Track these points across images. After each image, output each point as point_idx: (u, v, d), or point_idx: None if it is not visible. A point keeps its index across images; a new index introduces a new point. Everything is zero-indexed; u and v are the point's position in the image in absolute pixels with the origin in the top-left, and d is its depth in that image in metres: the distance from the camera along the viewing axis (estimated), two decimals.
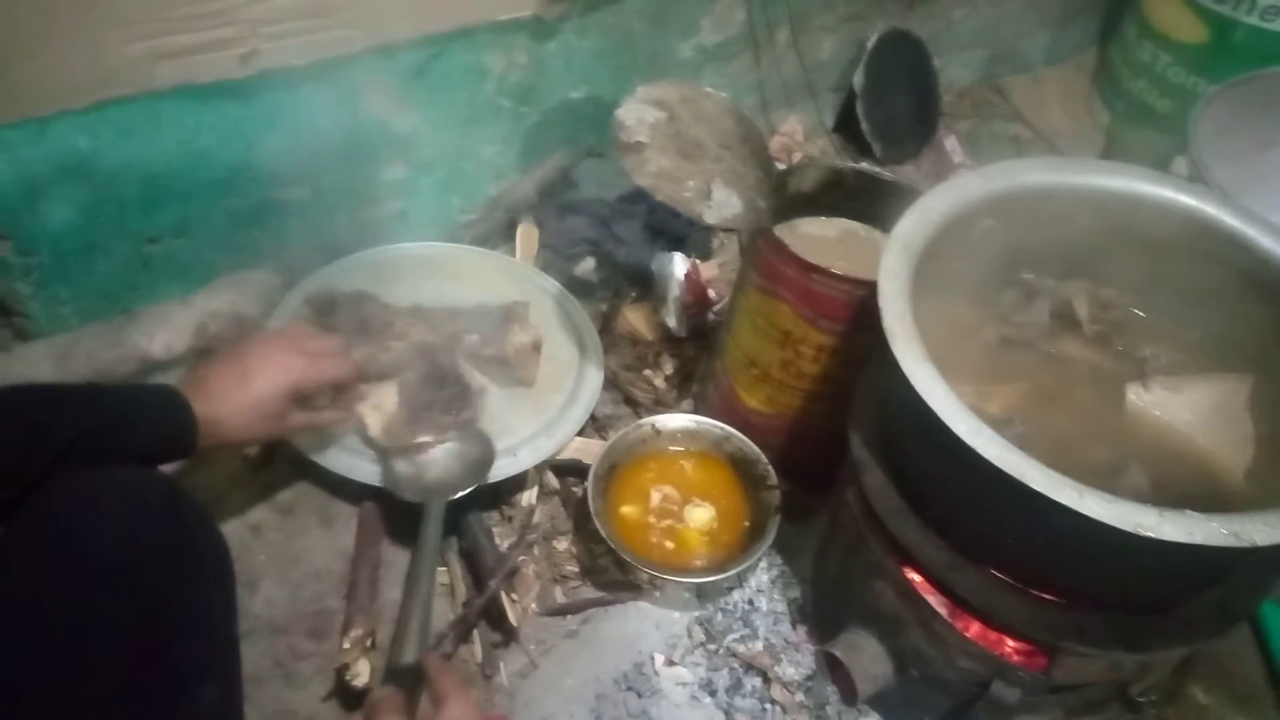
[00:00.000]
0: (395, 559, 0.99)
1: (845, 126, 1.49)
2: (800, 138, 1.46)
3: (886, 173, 1.07)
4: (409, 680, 0.78)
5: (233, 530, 0.99)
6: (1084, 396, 0.83)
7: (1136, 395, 0.82)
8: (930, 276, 0.81)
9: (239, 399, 0.84)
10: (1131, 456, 0.79)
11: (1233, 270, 0.81)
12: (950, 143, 1.47)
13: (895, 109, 1.47)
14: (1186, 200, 0.83)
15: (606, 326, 1.22)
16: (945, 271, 0.84)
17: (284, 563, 0.99)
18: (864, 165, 1.08)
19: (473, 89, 1.15)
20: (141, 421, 0.78)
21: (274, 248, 1.13)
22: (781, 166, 1.01)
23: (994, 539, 0.74)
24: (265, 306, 1.10)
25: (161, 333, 1.04)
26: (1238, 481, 0.78)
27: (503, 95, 1.17)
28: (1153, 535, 0.61)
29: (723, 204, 0.92)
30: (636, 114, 0.93)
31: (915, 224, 0.79)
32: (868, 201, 1.04)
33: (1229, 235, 0.81)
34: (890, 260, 0.77)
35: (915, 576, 0.80)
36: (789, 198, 1.04)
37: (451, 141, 1.18)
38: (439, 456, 0.98)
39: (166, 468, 0.80)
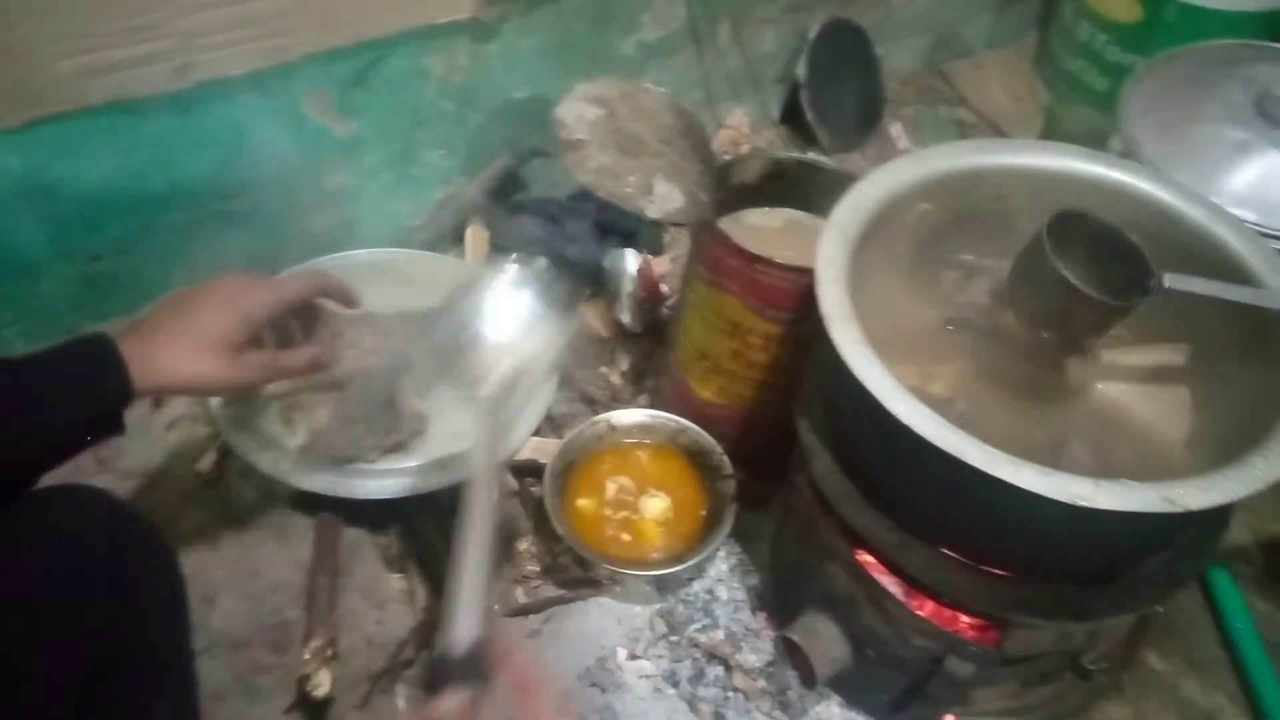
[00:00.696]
0: (353, 568, 0.99)
1: (792, 117, 1.50)
2: (747, 130, 1.47)
3: (829, 161, 1.08)
4: (467, 671, 0.55)
5: (188, 546, 0.98)
6: (1026, 373, 0.85)
7: (1076, 369, 0.83)
8: (870, 261, 0.82)
9: (179, 329, 0.73)
10: (1073, 430, 0.80)
11: (1164, 242, 0.82)
12: (895, 129, 1.48)
13: (840, 98, 1.48)
14: (1117, 175, 0.85)
15: None
16: (885, 256, 0.85)
17: (241, 577, 0.98)
18: (806, 155, 1.09)
19: (414, 93, 1.14)
20: (54, 373, 0.68)
21: (220, 260, 1.12)
22: (724, 159, 1.01)
23: (940, 518, 0.75)
24: None
25: None
26: (1178, 450, 0.80)
27: (445, 98, 1.17)
28: (1089, 505, 0.62)
29: (665, 198, 0.92)
30: (576, 112, 0.93)
31: (851, 210, 0.80)
32: (811, 190, 1.04)
33: (1159, 208, 0.83)
34: (827, 247, 0.78)
35: (867, 558, 0.81)
36: (733, 190, 1.04)
37: (396, 146, 1.18)
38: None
39: (122, 488, 0.78)
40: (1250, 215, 0.85)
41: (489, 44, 1.16)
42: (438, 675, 0.54)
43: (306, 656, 0.88)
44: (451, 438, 1.02)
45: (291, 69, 1.02)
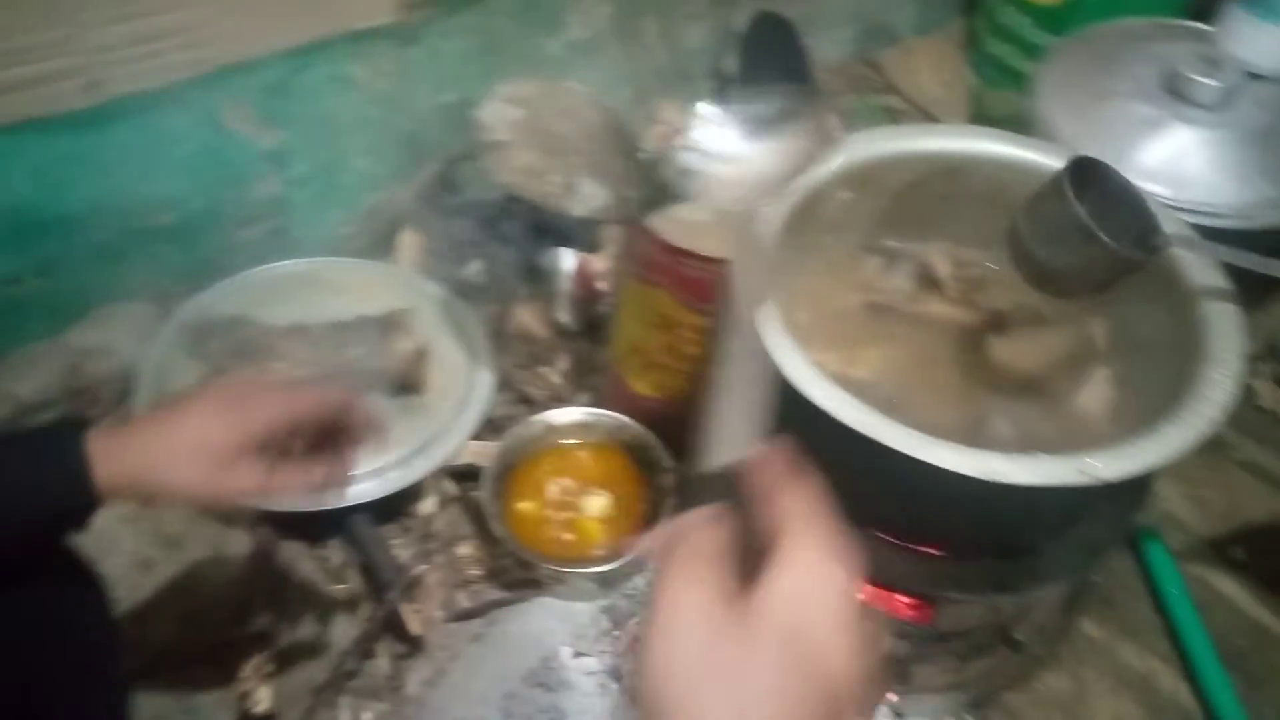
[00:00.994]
0: (293, 581, 0.98)
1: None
2: (679, 125, 1.47)
3: None
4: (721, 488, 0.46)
5: (122, 569, 0.96)
6: (949, 353, 0.86)
7: (997, 347, 0.85)
8: (793, 251, 0.83)
9: (164, 429, 0.66)
10: (996, 408, 0.81)
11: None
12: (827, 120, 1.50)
13: (770, 90, 1.49)
14: (1030, 156, 0.86)
15: (499, 327, 1.22)
16: (808, 245, 0.86)
17: (178, 596, 0.96)
18: None
19: (339, 101, 1.13)
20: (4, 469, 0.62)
21: (146, 278, 1.10)
22: (650, 155, 1.02)
23: (866, 500, 0.75)
24: (141, 340, 1.08)
25: (31, 376, 1.01)
26: (1098, 423, 0.82)
27: (371, 105, 1.16)
28: (1005, 480, 0.63)
29: (590, 196, 0.93)
30: (497, 113, 0.93)
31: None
32: None
33: None
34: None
35: None
36: (660, 185, 1.05)
37: (323, 155, 1.17)
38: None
39: None
40: (1161, 190, 0.87)
41: (412, 49, 1.15)
42: (695, 491, 0.47)
43: (245, 674, 0.87)
44: (387, 446, 1.02)
45: (209, 81, 1.01)
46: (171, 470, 0.65)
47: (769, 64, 1.50)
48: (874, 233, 0.90)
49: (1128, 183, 0.72)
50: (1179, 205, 0.87)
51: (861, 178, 0.85)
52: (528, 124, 0.93)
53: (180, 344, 1.06)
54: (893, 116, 1.57)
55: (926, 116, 1.56)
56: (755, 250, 0.78)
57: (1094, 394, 0.83)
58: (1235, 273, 0.99)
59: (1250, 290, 1.05)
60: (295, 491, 0.71)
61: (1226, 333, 0.73)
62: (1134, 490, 0.80)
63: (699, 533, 0.39)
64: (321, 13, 1.04)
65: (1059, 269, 0.74)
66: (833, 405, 0.66)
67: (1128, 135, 0.92)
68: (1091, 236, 0.69)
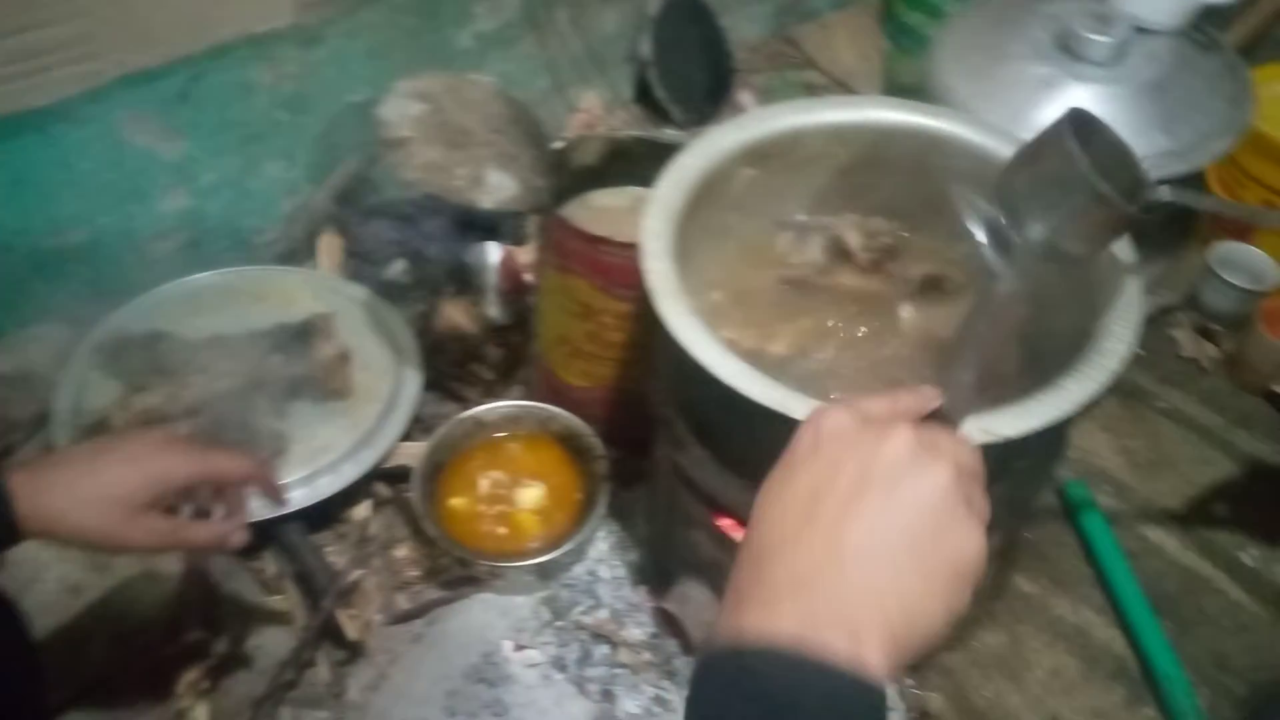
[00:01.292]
0: (227, 595, 0.96)
1: (645, 96, 1.50)
2: (601, 112, 1.47)
3: (668, 136, 1.09)
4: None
5: (51, 595, 0.95)
6: (864, 324, 0.87)
7: (908, 315, 0.86)
8: (701, 232, 0.83)
9: (79, 474, 0.68)
10: (910, 375, 0.82)
11: (980, 182, 0.85)
12: (745, 98, 1.50)
13: (689, 72, 1.49)
14: (929, 122, 0.87)
15: (427, 326, 1.21)
16: (717, 224, 0.86)
17: (109, 618, 0.95)
18: (645, 132, 1.09)
19: (243, 106, 1.12)
20: None
21: (58, 299, 1.08)
22: (559, 143, 1.01)
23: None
24: (55, 363, 1.05)
25: None
26: (1010, 383, 0.83)
27: (278, 108, 1.15)
28: None
29: (497, 188, 0.92)
30: (398, 109, 0.92)
31: (673, 183, 0.81)
32: (655, 167, 1.04)
33: (972, 150, 0.85)
34: (650, 221, 0.78)
35: (726, 521, 0.82)
36: (575, 173, 1.05)
37: (232, 163, 1.15)
38: None
39: None
40: None
41: (317, 49, 1.14)
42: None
43: (181, 691, 0.86)
44: (315, 452, 1.01)
45: (104, 94, 0.99)
46: (80, 516, 0.67)
47: (686, 46, 1.50)
48: (783, 208, 0.90)
49: (1117, 137, 0.69)
50: None
51: (762, 154, 0.86)
52: (431, 118, 0.92)
53: (96, 364, 1.04)
54: (812, 91, 1.58)
55: (846, 90, 1.57)
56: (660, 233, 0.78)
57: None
58: (1151, 225, 1.01)
59: (1167, 242, 1.08)
60: (198, 546, 0.76)
61: (1125, 286, 0.74)
62: (1047, 446, 0.81)
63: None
64: (216, 18, 1.02)
65: (1048, 220, 0.67)
66: (742, 383, 0.66)
67: (1024, 95, 0.93)
68: (1090, 189, 0.65)
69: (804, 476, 0.46)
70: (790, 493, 0.46)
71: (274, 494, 0.80)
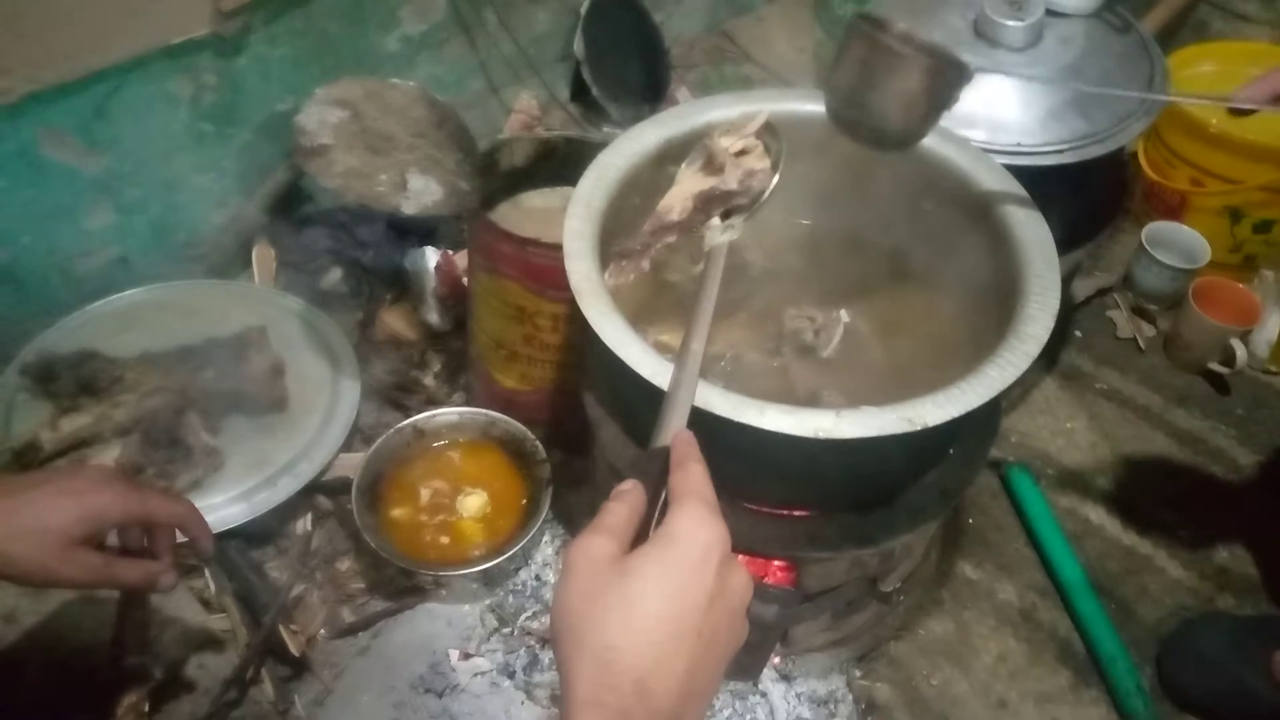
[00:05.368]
0: (168, 615, 0.95)
1: (582, 95, 1.50)
2: (538, 112, 1.46)
3: (597, 135, 1.08)
4: (655, 469, 0.54)
5: None
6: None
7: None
8: (625, 229, 0.82)
9: (12, 504, 0.67)
10: (827, 384, 0.82)
11: (901, 169, 0.85)
12: (682, 93, 1.50)
13: (624, 69, 1.49)
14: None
15: (365, 334, 1.20)
16: (641, 222, 0.85)
17: (46, 644, 0.93)
18: (572, 131, 1.09)
19: (165, 119, 1.09)
20: None
21: None
22: (486, 146, 1.00)
23: (718, 470, 0.76)
24: None
25: None
26: (926, 377, 0.83)
27: (201, 120, 1.13)
28: (833, 436, 0.64)
29: (421, 192, 0.91)
30: (317, 117, 0.91)
31: (595, 182, 0.81)
32: (586, 166, 1.04)
33: None
34: (573, 222, 0.78)
35: None
36: (504, 175, 1.04)
37: (157, 176, 1.13)
38: None
39: None
40: (978, 134, 0.89)
41: (238, 59, 1.12)
42: (631, 466, 0.56)
43: (120, 713, 0.85)
44: (251, 468, 0.99)
45: (15, 110, 0.97)
46: (15, 549, 0.66)
47: (620, 43, 1.49)
48: (708, 205, 0.90)
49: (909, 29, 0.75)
50: (998, 149, 0.89)
51: (684, 150, 0.85)
52: (351, 125, 0.90)
53: (24, 386, 1.02)
54: (749, 85, 1.58)
55: (781, 82, 1.57)
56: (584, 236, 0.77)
57: (920, 352, 0.84)
58: (1084, 206, 1.02)
59: (1099, 222, 1.08)
60: (127, 585, 0.75)
61: (1044, 272, 0.74)
62: (982, 431, 0.82)
63: (609, 505, 0.49)
64: (130, 30, 1.00)
65: (891, 108, 0.73)
66: (664, 381, 0.65)
67: None
68: (913, 53, 0.71)
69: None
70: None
71: (204, 542, 0.78)
